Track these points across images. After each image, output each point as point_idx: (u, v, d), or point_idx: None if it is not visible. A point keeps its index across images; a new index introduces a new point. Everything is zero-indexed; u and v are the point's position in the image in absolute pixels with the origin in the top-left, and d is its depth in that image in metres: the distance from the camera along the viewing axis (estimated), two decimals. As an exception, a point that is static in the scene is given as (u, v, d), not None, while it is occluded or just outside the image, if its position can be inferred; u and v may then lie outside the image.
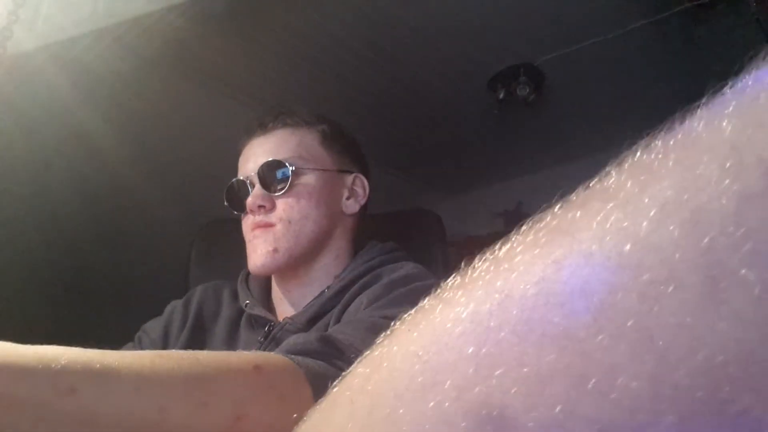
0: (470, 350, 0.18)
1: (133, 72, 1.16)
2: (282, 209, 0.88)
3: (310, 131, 0.94)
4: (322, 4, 1.12)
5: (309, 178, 0.90)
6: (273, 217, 0.88)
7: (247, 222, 0.91)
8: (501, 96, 1.43)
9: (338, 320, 0.80)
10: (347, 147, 0.98)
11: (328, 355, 0.59)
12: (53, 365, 0.37)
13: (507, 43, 1.31)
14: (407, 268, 0.85)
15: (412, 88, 1.42)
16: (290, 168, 0.88)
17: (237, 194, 0.93)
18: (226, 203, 0.95)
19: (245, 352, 0.54)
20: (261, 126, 0.93)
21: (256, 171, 0.89)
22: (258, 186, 0.89)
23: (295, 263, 0.89)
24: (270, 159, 0.89)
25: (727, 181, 0.15)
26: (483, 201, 1.94)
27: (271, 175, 0.89)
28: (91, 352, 0.40)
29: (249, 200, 0.88)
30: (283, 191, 0.88)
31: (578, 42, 1.31)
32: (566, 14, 1.23)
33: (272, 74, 1.29)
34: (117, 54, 1.11)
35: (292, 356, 0.55)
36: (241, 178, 0.92)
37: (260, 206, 0.88)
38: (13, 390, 0.36)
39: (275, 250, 0.87)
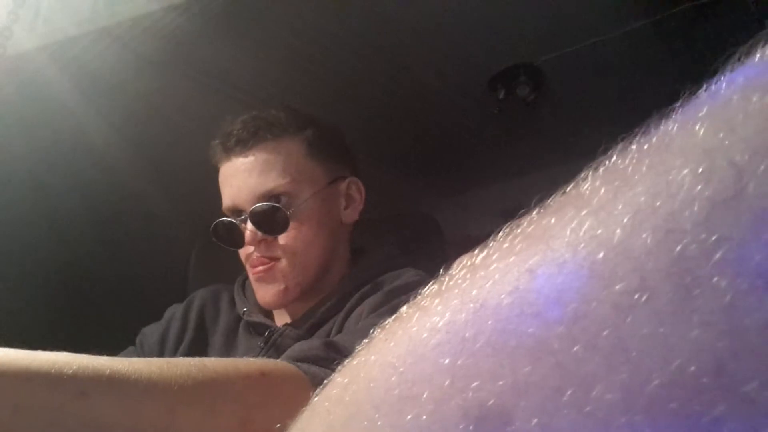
0: (446, 361, 0.17)
1: (133, 72, 1.16)
2: (284, 242, 0.85)
3: (294, 142, 0.88)
4: (323, 4, 1.12)
5: (306, 206, 0.86)
6: (277, 251, 0.85)
7: (248, 256, 0.87)
8: (501, 96, 1.43)
9: (340, 328, 0.80)
10: (335, 149, 0.93)
11: (332, 362, 0.59)
12: (65, 370, 0.38)
13: (507, 43, 1.30)
14: (408, 275, 0.84)
15: (411, 87, 1.42)
16: (286, 210, 0.83)
17: (228, 231, 0.88)
18: (214, 239, 0.89)
19: (251, 359, 0.55)
20: (239, 143, 0.86)
21: (248, 214, 0.84)
22: (253, 227, 0.84)
23: (305, 290, 0.87)
24: (260, 204, 0.83)
25: (699, 187, 0.15)
26: (483, 201, 1.94)
27: (265, 217, 0.84)
28: (101, 359, 0.41)
29: (248, 240, 0.85)
30: (282, 232, 0.84)
31: (578, 42, 1.30)
32: (566, 14, 1.22)
33: (272, 74, 1.29)
34: (117, 54, 1.11)
35: (298, 363, 0.56)
36: (230, 218, 0.87)
37: (260, 241, 0.85)
38: (27, 394, 0.37)
39: (286, 289, 0.85)
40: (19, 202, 1.24)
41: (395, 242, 1.03)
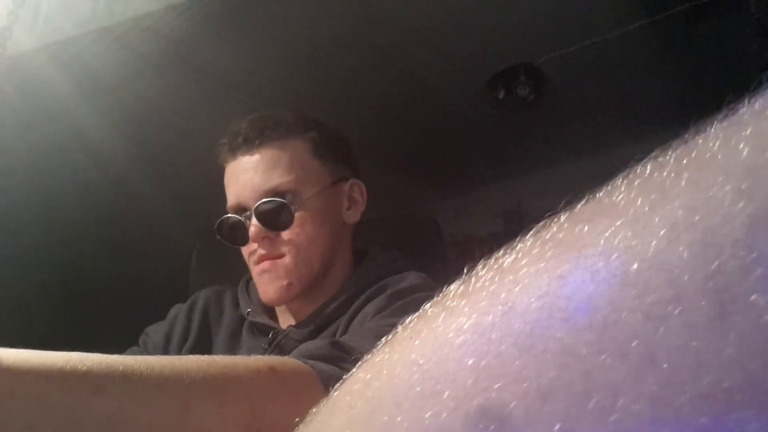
0: (470, 361, 0.18)
1: (133, 72, 1.16)
2: (288, 238, 0.85)
3: (299, 142, 0.89)
4: (323, 4, 1.12)
5: (310, 203, 0.86)
6: (281, 248, 0.85)
7: (252, 253, 0.87)
8: (501, 96, 1.43)
9: (345, 331, 0.81)
10: (339, 151, 0.94)
11: (339, 359, 0.60)
12: (80, 367, 0.39)
13: (507, 43, 1.30)
14: (411, 278, 0.84)
15: (411, 88, 1.42)
16: (291, 206, 0.84)
17: (232, 229, 0.89)
18: (218, 237, 0.90)
19: (260, 356, 0.56)
20: (246, 142, 0.87)
21: (253, 210, 0.85)
22: (258, 223, 0.85)
23: (308, 288, 0.88)
24: (266, 199, 0.84)
25: (740, 204, 0.15)
26: (483, 201, 1.94)
27: (270, 213, 0.84)
28: (112, 357, 0.42)
29: (252, 236, 0.85)
30: (286, 228, 0.85)
31: (578, 42, 1.30)
32: (566, 14, 1.22)
33: (272, 74, 1.28)
34: (117, 54, 1.10)
35: (305, 360, 0.56)
36: (235, 215, 0.88)
37: (264, 238, 0.85)
38: (45, 392, 0.37)
39: (290, 284, 0.85)
40: (19, 202, 1.24)
41: (395, 244, 1.03)
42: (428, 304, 0.22)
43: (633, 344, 0.15)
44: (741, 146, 0.16)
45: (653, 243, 0.16)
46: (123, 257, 1.47)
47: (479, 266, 0.21)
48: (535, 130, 1.68)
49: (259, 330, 0.90)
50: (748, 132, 0.16)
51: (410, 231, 1.21)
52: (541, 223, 0.20)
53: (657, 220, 0.16)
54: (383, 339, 0.23)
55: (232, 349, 0.90)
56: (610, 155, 1.56)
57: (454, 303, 0.20)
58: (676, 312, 0.15)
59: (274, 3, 1.10)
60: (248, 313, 0.91)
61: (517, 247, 0.20)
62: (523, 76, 1.40)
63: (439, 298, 0.22)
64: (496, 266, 0.20)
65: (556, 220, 0.20)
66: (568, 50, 1.33)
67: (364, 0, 1.13)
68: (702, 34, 1.28)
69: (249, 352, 0.87)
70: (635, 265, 0.16)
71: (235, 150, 0.89)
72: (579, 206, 0.20)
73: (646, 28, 1.26)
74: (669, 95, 1.43)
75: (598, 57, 1.35)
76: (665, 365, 0.15)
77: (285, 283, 0.85)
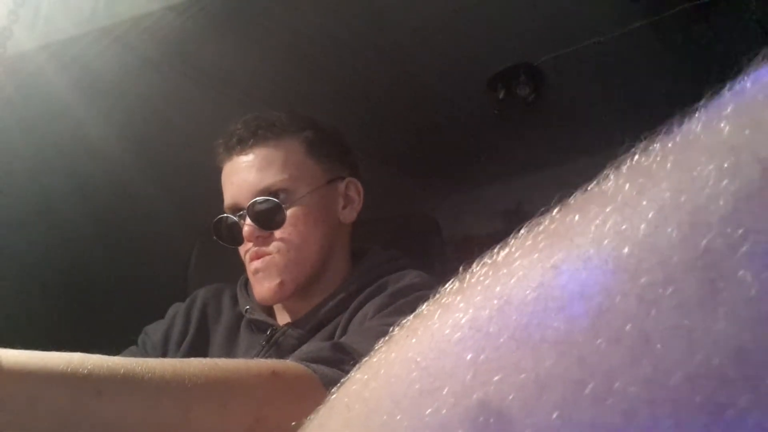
0: (469, 356, 0.18)
1: (133, 72, 1.16)
2: (281, 237, 0.86)
3: (293, 141, 0.89)
4: (323, 4, 1.12)
5: (303, 202, 0.87)
6: (271, 247, 0.86)
7: (247, 252, 0.88)
8: (501, 96, 1.43)
9: (345, 329, 0.81)
10: (335, 150, 0.94)
11: (341, 362, 0.60)
12: (81, 370, 0.39)
13: (507, 43, 1.31)
14: (411, 276, 0.84)
15: (411, 88, 1.42)
16: (283, 205, 0.85)
17: (228, 229, 0.90)
18: (215, 237, 0.91)
19: (262, 360, 0.56)
20: (240, 142, 0.88)
21: (246, 209, 0.86)
22: (251, 222, 0.86)
23: (302, 288, 0.88)
24: (258, 198, 0.85)
25: (725, 182, 0.15)
26: (483, 201, 1.94)
27: (263, 212, 0.85)
28: (114, 359, 0.42)
29: (246, 235, 0.86)
30: (279, 227, 0.85)
31: (578, 42, 1.30)
32: (566, 14, 1.22)
33: (272, 74, 1.29)
34: (117, 54, 1.11)
35: (307, 363, 0.56)
36: (230, 215, 0.89)
37: (258, 237, 0.86)
38: (43, 394, 0.37)
39: (282, 283, 0.85)
40: (20, 202, 1.24)
41: (394, 243, 1.03)
42: (425, 304, 0.22)
43: (627, 328, 0.15)
44: (722, 125, 0.16)
45: (642, 226, 0.16)
46: (122, 257, 1.47)
47: (474, 263, 0.21)
48: (535, 130, 1.68)
49: (257, 327, 0.90)
50: (729, 110, 0.16)
51: (410, 230, 1.21)
52: (535, 218, 0.21)
53: (645, 203, 0.17)
54: (382, 340, 0.24)
55: (229, 346, 0.90)
56: (610, 155, 1.55)
57: (450, 299, 0.21)
58: (668, 293, 0.15)
59: (274, 3, 1.10)
60: (246, 311, 0.91)
61: (511, 242, 0.20)
62: (523, 76, 1.40)
63: (435, 297, 0.22)
64: (490, 262, 0.20)
65: (548, 213, 0.20)
66: (568, 50, 1.33)
67: (364, 0, 1.13)
68: (702, 34, 1.28)
69: (247, 349, 0.87)
70: (626, 250, 0.16)
71: (231, 150, 0.90)
72: (570, 199, 0.20)
73: (646, 28, 1.26)
74: (669, 95, 1.43)
75: (598, 57, 1.35)
76: (659, 346, 0.15)
77: (277, 281, 0.85)
